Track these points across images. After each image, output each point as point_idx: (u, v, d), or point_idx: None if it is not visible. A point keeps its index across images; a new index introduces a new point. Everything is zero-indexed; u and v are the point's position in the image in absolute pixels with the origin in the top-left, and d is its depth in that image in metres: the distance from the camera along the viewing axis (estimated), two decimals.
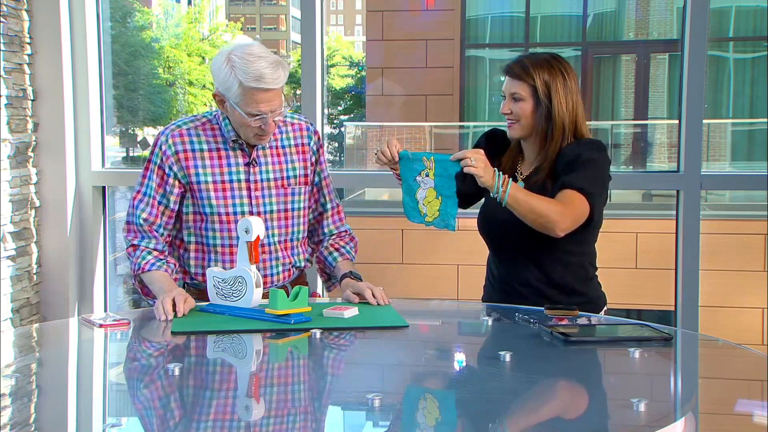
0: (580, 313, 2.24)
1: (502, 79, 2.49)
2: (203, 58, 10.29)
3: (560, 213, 2.27)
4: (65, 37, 3.72)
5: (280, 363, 2.01)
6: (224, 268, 2.37)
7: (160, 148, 2.40)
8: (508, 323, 2.28)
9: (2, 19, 3.49)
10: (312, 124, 2.55)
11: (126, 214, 2.44)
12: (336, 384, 1.80)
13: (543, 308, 2.26)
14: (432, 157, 2.27)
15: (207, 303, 2.30)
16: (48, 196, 3.77)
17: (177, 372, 1.76)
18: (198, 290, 2.45)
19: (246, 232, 2.20)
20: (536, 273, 2.43)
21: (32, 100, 3.71)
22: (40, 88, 3.73)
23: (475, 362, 2.01)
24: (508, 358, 1.85)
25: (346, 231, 2.59)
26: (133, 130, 8.82)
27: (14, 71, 3.59)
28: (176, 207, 2.42)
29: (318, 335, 2.04)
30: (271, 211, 2.42)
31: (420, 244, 6.90)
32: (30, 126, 3.70)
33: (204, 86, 9.84)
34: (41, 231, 3.78)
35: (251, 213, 2.39)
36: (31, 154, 3.71)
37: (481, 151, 2.24)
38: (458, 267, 6.64)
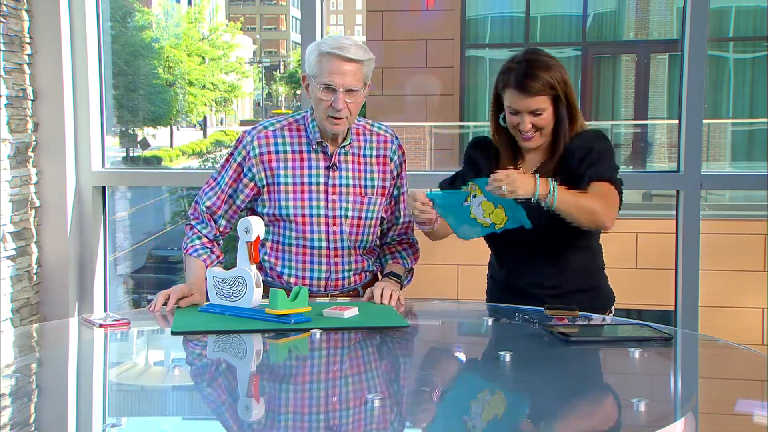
0: (580, 313, 2.24)
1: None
2: (203, 58, 10.28)
3: (605, 206, 2.26)
4: (65, 37, 3.72)
5: (280, 363, 2.01)
6: (296, 267, 2.46)
7: (245, 147, 2.45)
8: (508, 323, 2.28)
9: (2, 19, 3.49)
10: (397, 138, 2.57)
11: (197, 195, 2.54)
12: (336, 384, 1.80)
13: (543, 308, 2.26)
14: (472, 184, 2.21)
15: (207, 303, 2.30)
16: (48, 196, 3.77)
17: (177, 372, 1.76)
18: (268, 286, 2.47)
19: (246, 232, 2.20)
20: (549, 273, 2.40)
21: (32, 100, 3.70)
22: (40, 88, 3.72)
23: (475, 362, 2.01)
24: (508, 358, 1.85)
25: (407, 238, 2.62)
26: (133, 130, 8.81)
27: (14, 71, 3.59)
28: (243, 205, 2.49)
29: (318, 335, 2.04)
30: (346, 216, 2.45)
31: (420, 244, 6.89)
32: (30, 126, 3.70)
33: (204, 86, 9.83)
34: (41, 231, 3.78)
35: (326, 216, 2.43)
36: (31, 154, 3.71)
37: (510, 170, 2.16)
38: (458, 267, 6.64)
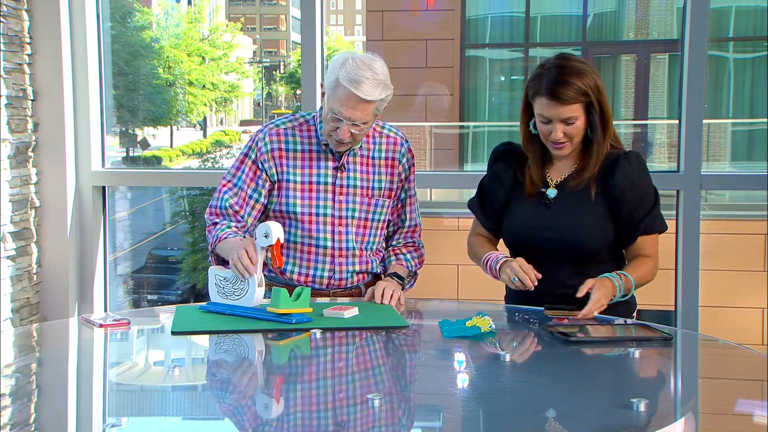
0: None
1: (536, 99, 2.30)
2: (203, 58, 10.28)
3: (654, 265, 2.37)
4: (65, 37, 3.72)
5: (280, 363, 2.01)
6: (300, 264, 2.45)
7: (257, 145, 2.46)
8: (508, 323, 2.28)
9: (2, 19, 3.49)
10: (407, 141, 2.56)
11: (211, 199, 2.48)
12: (336, 384, 1.80)
13: (543, 308, 2.25)
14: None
15: (208, 302, 2.30)
16: (48, 196, 3.77)
17: (177, 372, 1.76)
18: (272, 283, 2.47)
19: (265, 236, 2.20)
20: (570, 285, 2.27)
21: (32, 100, 3.70)
22: (40, 88, 3.73)
23: (475, 362, 2.01)
24: (508, 358, 1.85)
25: (413, 242, 2.60)
26: (133, 130, 8.81)
27: (14, 71, 3.59)
28: (265, 201, 2.46)
29: (318, 335, 2.04)
30: (352, 217, 2.46)
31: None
32: (30, 126, 3.70)
33: (204, 86, 9.83)
34: (41, 231, 3.78)
35: (333, 216, 2.44)
36: (31, 154, 3.71)
37: (596, 296, 2.20)
38: (458, 267, 6.63)
